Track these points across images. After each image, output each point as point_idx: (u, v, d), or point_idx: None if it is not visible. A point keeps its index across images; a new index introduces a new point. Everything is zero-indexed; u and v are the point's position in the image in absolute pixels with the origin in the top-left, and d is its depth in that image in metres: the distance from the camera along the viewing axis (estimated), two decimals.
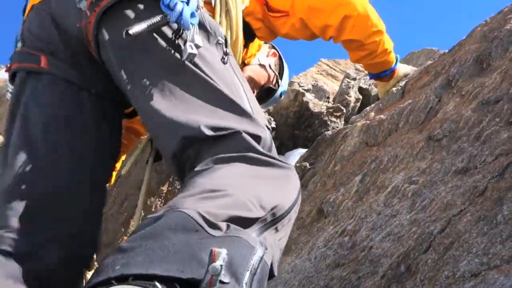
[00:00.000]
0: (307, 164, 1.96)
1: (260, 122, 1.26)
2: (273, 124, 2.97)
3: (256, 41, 2.06)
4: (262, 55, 2.16)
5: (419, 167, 1.34)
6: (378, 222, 1.26)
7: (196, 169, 1.13)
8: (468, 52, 1.67)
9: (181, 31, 1.29)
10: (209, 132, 1.16)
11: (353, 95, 3.59)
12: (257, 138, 1.21)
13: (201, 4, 1.38)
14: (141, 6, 1.32)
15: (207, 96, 1.24)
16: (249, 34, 1.93)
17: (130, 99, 1.35)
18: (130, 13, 1.31)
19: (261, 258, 0.91)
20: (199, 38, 1.29)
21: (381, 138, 1.64)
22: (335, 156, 1.74)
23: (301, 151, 2.48)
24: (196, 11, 1.31)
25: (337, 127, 2.97)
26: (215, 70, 1.30)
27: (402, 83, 1.97)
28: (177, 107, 1.22)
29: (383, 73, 2.15)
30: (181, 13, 1.24)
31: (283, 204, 1.11)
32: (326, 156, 1.86)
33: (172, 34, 1.30)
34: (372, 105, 2.06)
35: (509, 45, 1.50)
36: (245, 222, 0.98)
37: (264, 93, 2.19)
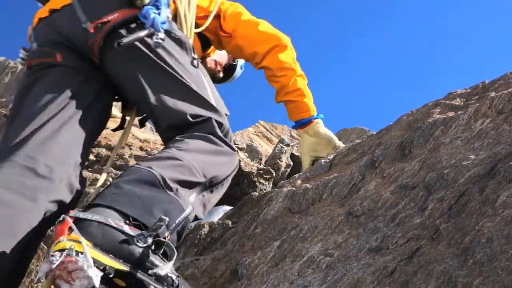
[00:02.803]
0: (230, 222, 1.94)
1: (222, 113, 1.87)
2: None
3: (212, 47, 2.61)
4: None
5: (336, 241, 1.37)
6: None
7: (176, 138, 1.71)
8: (393, 137, 1.77)
9: (155, 35, 1.79)
10: (191, 118, 1.76)
11: (285, 161, 3.66)
12: (220, 124, 1.82)
13: (170, 17, 1.93)
14: (132, 26, 1.82)
15: (187, 94, 1.82)
16: (206, 43, 2.45)
17: (131, 94, 1.91)
18: (124, 32, 1.80)
19: (186, 217, 1.44)
20: (169, 41, 1.85)
21: (304, 206, 1.67)
22: (258, 218, 1.74)
23: (225, 208, 2.45)
24: (167, 20, 1.84)
25: (265, 189, 2.99)
26: (189, 73, 1.87)
27: (331, 157, 2.04)
28: (170, 99, 1.79)
29: (301, 121, 2.36)
30: (153, 20, 1.75)
31: (220, 175, 1.72)
32: (249, 217, 1.85)
33: (152, 40, 1.80)
34: (301, 173, 2.11)
35: (429, 136, 1.62)
36: (190, 184, 1.54)
37: (229, 70, 2.93)
